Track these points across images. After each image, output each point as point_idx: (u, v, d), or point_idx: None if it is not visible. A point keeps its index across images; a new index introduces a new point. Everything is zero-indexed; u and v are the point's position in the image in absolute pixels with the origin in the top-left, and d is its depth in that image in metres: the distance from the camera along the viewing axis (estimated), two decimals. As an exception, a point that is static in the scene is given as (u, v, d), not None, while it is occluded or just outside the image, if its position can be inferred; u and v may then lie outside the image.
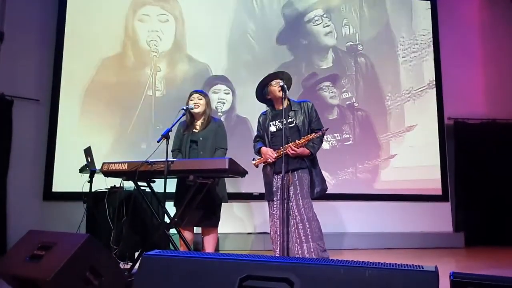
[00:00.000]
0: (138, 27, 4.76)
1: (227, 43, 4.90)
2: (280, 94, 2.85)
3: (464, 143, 5.12)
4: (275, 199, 2.87)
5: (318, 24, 5.07)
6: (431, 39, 5.26)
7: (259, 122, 3.11)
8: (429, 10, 5.31)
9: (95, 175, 3.32)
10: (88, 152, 3.37)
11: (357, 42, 5.14)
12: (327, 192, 2.99)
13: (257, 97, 3.10)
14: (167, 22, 4.82)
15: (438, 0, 5.36)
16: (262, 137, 3.04)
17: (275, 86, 2.92)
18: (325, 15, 5.11)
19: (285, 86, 2.87)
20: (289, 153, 2.77)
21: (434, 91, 5.18)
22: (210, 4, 4.93)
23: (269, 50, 4.96)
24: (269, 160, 2.89)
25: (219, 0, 4.96)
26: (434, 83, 5.19)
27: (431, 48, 5.25)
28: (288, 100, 3.00)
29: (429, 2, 5.34)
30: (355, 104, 5.02)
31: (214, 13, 4.91)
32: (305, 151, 2.83)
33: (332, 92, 4.97)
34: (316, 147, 2.87)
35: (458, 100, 5.24)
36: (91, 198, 3.33)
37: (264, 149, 2.95)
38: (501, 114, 5.24)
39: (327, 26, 5.08)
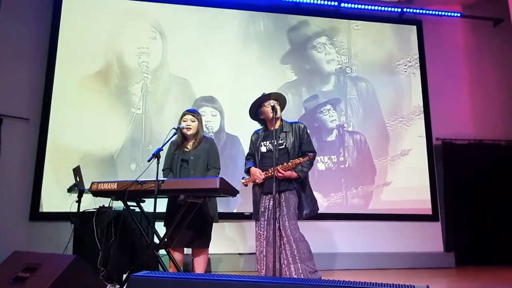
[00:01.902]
0: (126, 46, 4.79)
1: (227, 62, 4.96)
2: (272, 115, 2.89)
3: (452, 163, 5.19)
4: (262, 219, 2.86)
5: (320, 52, 5.21)
6: (418, 63, 5.41)
7: (251, 140, 3.13)
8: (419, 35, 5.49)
9: (84, 195, 3.28)
10: (77, 171, 3.34)
11: (357, 68, 5.25)
12: (319, 212, 2.98)
13: (250, 116, 3.13)
14: (158, 41, 4.87)
15: (424, 25, 5.54)
16: (254, 156, 3.06)
17: (268, 107, 2.96)
18: (327, 43, 5.25)
19: (276, 107, 2.91)
20: (277, 176, 2.77)
21: (422, 112, 5.29)
22: (211, 22, 5.01)
23: (272, 69, 5.04)
24: (257, 181, 2.90)
25: (222, 19, 5.05)
26: (422, 105, 5.30)
27: (419, 71, 5.39)
28: (281, 120, 3.04)
29: (414, 26, 5.52)
30: (352, 128, 5.08)
31: (213, 31, 4.99)
32: (293, 174, 2.84)
33: (332, 116, 5.06)
34: (305, 171, 2.88)
35: (446, 121, 5.34)
36: (79, 218, 3.27)
37: (253, 169, 2.96)
38: (488, 135, 5.35)
39: (329, 54, 5.23)
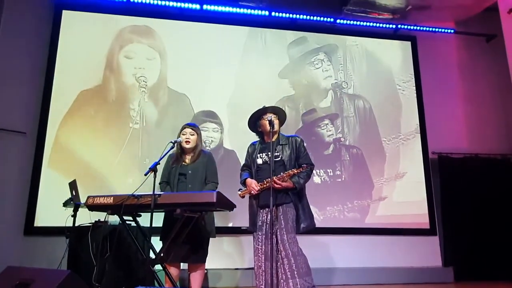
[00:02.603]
0: (128, 63, 4.82)
1: (225, 77, 4.99)
2: (269, 128, 2.91)
3: (449, 177, 5.20)
4: (260, 233, 2.85)
5: (318, 68, 5.28)
6: (413, 78, 5.47)
7: (248, 151, 3.15)
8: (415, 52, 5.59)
9: (80, 209, 3.25)
10: (73, 185, 3.32)
11: (354, 85, 5.31)
12: (316, 226, 2.97)
13: (249, 127, 3.16)
14: (160, 59, 4.90)
15: (418, 41, 5.63)
16: (249, 167, 3.07)
17: (265, 120, 2.99)
18: (325, 60, 5.32)
19: (274, 121, 2.94)
20: (273, 186, 2.77)
21: (418, 127, 5.32)
22: (210, 37, 5.07)
23: (270, 83, 5.08)
24: (252, 192, 2.89)
25: (221, 35, 5.11)
26: (418, 119, 5.34)
27: (414, 87, 5.45)
28: (278, 134, 3.06)
29: (409, 43, 5.62)
30: (350, 143, 5.10)
31: (212, 46, 5.04)
32: (289, 185, 2.84)
33: (329, 131, 5.09)
34: (301, 182, 2.88)
35: (442, 135, 5.37)
36: (74, 233, 3.24)
37: (248, 180, 2.96)
38: (483, 149, 5.39)
39: (327, 70, 5.29)
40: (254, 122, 3.09)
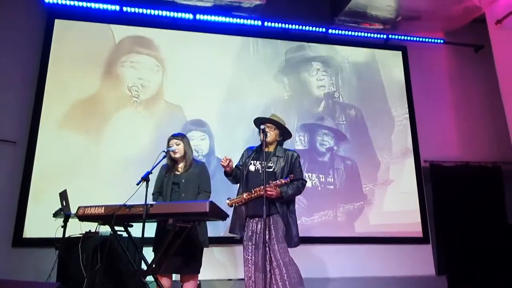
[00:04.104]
0: (121, 73, 4.80)
1: (218, 84, 4.99)
2: (262, 138, 2.93)
3: (441, 185, 5.24)
4: (249, 243, 2.83)
5: (313, 76, 5.32)
6: (405, 88, 5.54)
7: (242, 154, 3.17)
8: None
9: (70, 219, 3.20)
10: (63, 195, 3.28)
11: (346, 95, 5.34)
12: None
13: (255, 125, 3.18)
14: (153, 69, 4.90)
15: (408, 51, 5.72)
16: (240, 169, 3.09)
17: (261, 129, 3.01)
18: (321, 69, 5.37)
19: (268, 131, 2.97)
20: (267, 194, 2.76)
21: (410, 135, 5.37)
22: (204, 46, 5.08)
23: (263, 90, 5.10)
24: (222, 163, 2.94)
25: (215, 43, 5.12)
26: (409, 128, 5.39)
27: (405, 96, 5.51)
28: (277, 145, 3.07)
29: (400, 52, 5.70)
30: (342, 154, 5.11)
31: (205, 56, 5.04)
32: (278, 194, 2.84)
33: (325, 140, 5.11)
34: (289, 192, 2.88)
35: (433, 144, 5.42)
36: (64, 244, 3.19)
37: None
38: (474, 157, 5.44)
39: (321, 80, 5.33)
40: (259, 125, 3.11)
